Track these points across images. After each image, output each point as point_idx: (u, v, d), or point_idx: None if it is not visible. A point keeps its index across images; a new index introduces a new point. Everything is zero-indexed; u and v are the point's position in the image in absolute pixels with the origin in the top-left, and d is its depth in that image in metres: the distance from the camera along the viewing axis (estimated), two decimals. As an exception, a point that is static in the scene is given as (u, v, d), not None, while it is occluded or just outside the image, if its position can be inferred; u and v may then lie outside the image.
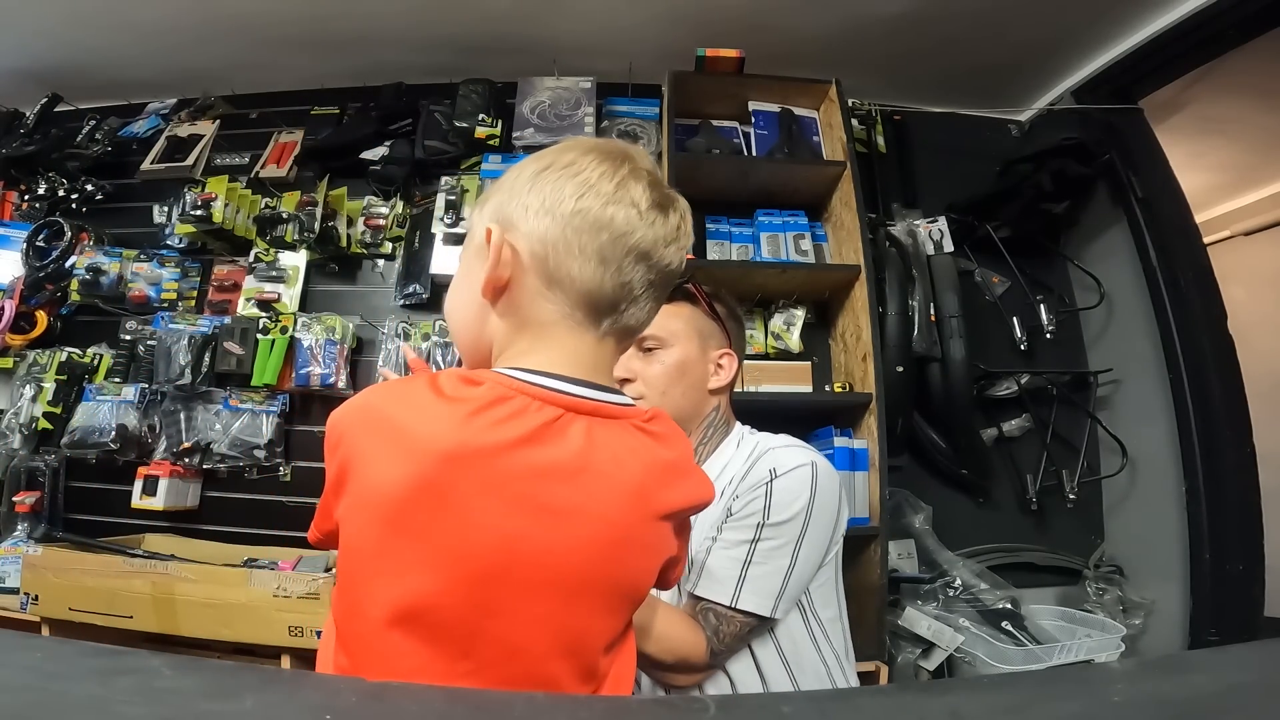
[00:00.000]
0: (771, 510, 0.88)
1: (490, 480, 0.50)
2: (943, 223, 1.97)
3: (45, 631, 1.51)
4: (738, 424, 1.06)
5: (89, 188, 2.08)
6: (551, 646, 0.52)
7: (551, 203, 0.54)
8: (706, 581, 0.87)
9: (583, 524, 0.52)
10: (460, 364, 0.66)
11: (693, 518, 0.73)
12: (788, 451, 0.94)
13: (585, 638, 0.54)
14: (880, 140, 2.14)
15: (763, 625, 0.88)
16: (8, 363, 1.95)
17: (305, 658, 1.44)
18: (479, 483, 0.50)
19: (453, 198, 1.92)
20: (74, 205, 2.07)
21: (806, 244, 1.93)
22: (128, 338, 1.93)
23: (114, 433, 1.79)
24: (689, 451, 0.62)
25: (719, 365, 1.03)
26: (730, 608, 0.85)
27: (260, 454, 1.84)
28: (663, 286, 0.59)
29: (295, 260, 1.98)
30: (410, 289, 1.94)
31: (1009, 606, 1.68)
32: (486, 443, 0.50)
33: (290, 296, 1.95)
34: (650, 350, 1.00)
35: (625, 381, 1.00)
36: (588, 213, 0.54)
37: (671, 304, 1.02)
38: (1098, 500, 2.05)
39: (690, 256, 0.62)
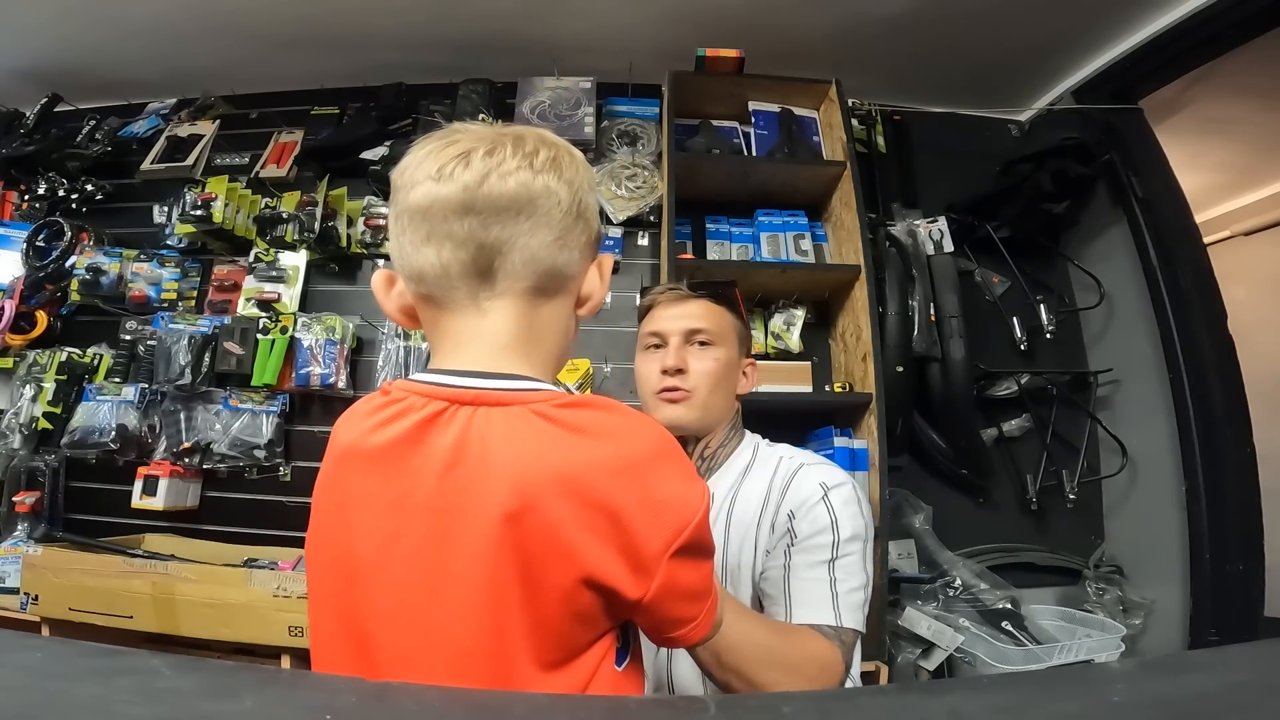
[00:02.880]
0: (840, 527, 0.88)
1: (371, 478, 0.51)
2: (943, 223, 1.97)
3: (45, 631, 1.51)
4: (747, 432, 1.07)
5: (89, 188, 2.08)
6: (441, 657, 0.49)
7: (390, 228, 0.58)
8: (805, 609, 0.85)
9: (454, 520, 0.48)
10: None
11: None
12: (826, 468, 0.96)
13: (478, 651, 0.48)
14: (880, 140, 2.14)
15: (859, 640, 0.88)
16: (8, 363, 1.95)
17: (305, 658, 1.44)
18: (362, 481, 0.52)
19: (453, 198, 1.92)
20: (74, 205, 2.08)
21: (806, 244, 1.94)
22: (128, 338, 1.93)
23: (114, 433, 1.80)
24: (637, 448, 0.51)
25: (744, 373, 1.05)
26: (839, 626, 0.84)
27: (260, 454, 1.84)
28: (529, 211, 0.53)
29: (295, 260, 1.98)
30: (410, 289, 1.94)
31: (1009, 606, 1.68)
32: (370, 443, 0.52)
33: (290, 296, 1.95)
34: (704, 344, 0.99)
35: (679, 371, 0.97)
36: (401, 214, 0.55)
37: (718, 305, 1.03)
38: (1098, 500, 2.05)
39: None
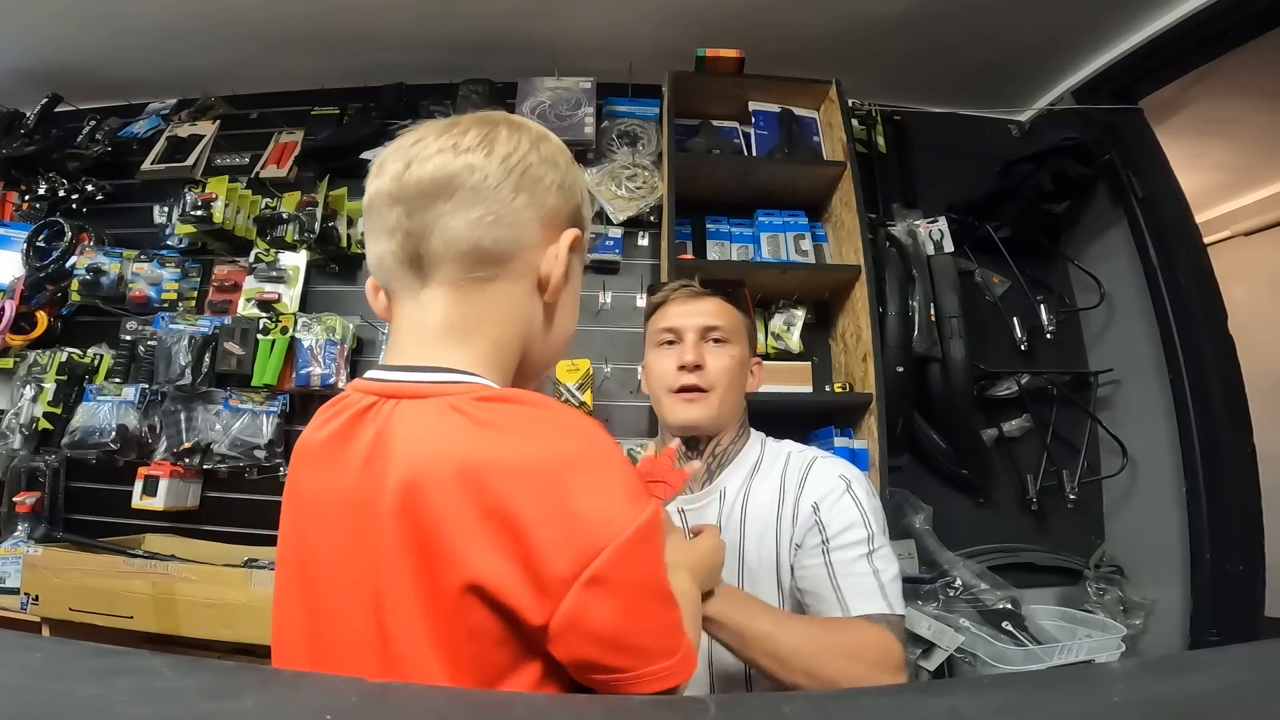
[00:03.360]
0: (870, 520, 0.89)
1: (312, 473, 0.52)
2: (943, 223, 1.97)
3: (45, 632, 1.51)
4: (753, 430, 1.07)
5: (89, 188, 2.08)
6: (373, 662, 0.46)
7: None
8: (859, 602, 0.85)
9: (367, 518, 0.47)
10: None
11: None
12: (839, 461, 0.97)
13: (396, 660, 0.46)
14: (880, 140, 2.14)
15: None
16: (8, 363, 1.95)
17: (305, 658, 1.44)
18: (305, 477, 0.53)
19: (453, 198, 1.92)
20: (74, 205, 2.08)
21: (806, 244, 1.94)
22: (128, 338, 1.93)
23: (114, 433, 1.79)
24: (556, 450, 0.46)
25: (751, 372, 1.04)
26: (891, 614, 0.84)
27: (260, 454, 1.83)
28: (448, 193, 0.51)
29: (295, 260, 1.98)
30: (410, 289, 1.94)
31: (1009, 606, 1.68)
32: (313, 439, 0.53)
33: (290, 297, 1.95)
34: (719, 341, 0.98)
35: (697, 367, 0.96)
36: (362, 211, 0.58)
37: (730, 306, 1.02)
38: (1098, 500, 2.05)
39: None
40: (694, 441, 0.99)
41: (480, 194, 0.51)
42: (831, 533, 0.88)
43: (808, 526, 0.90)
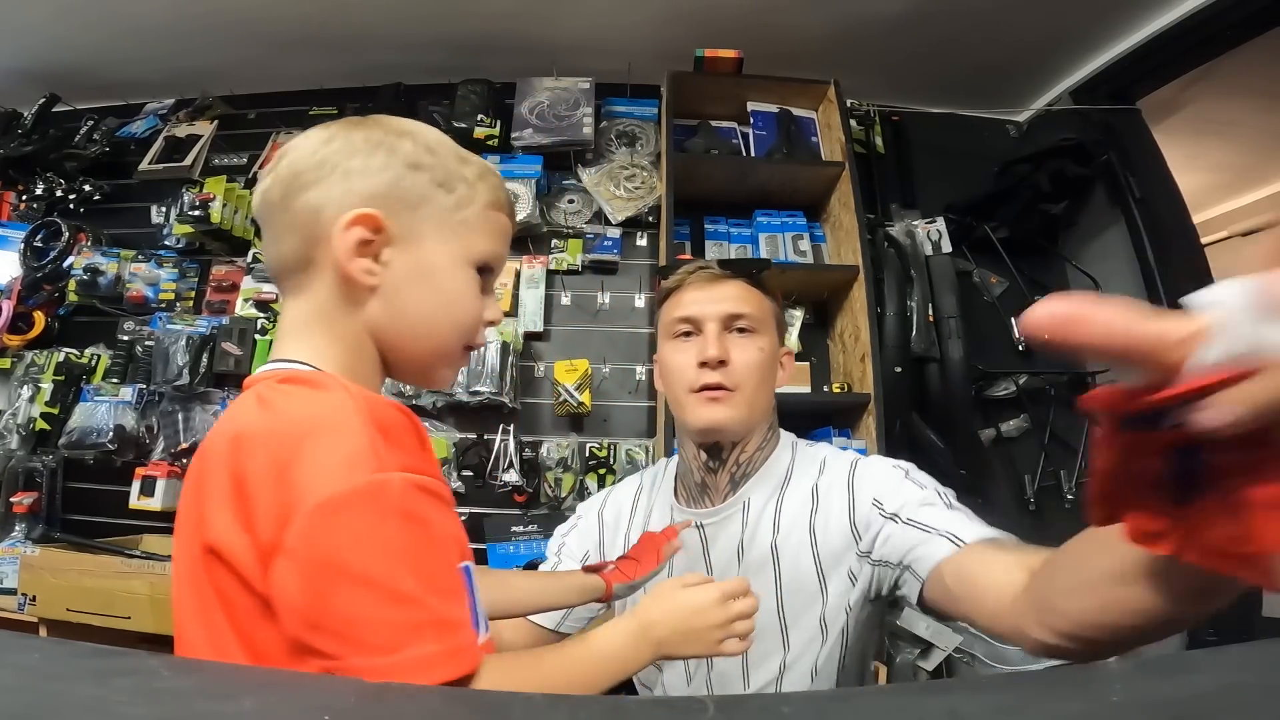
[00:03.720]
0: (942, 492, 0.80)
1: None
2: (941, 223, 1.98)
3: (43, 632, 1.51)
4: (782, 431, 0.96)
5: (87, 188, 2.08)
6: (181, 631, 0.49)
7: None
8: (966, 529, 0.74)
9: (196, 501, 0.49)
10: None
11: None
12: (879, 456, 0.93)
13: (229, 653, 0.45)
14: (879, 141, 2.14)
15: None
16: (5, 363, 1.95)
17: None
18: None
19: (451, 198, 1.92)
20: (72, 205, 2.07)
21: (805, 244, 1.94)
22: (125, 338, 1.92)
23: (112, 433, 1.79)
24: (294, 420, 0.45)
25: (781, 364, 0.92)
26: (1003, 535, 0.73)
27: (258, 454, 1.83)
28: (264, 216, 0.56)
29: (294, 260, 1.97)
30: (409, 289, 1.93)
31: (1008, 606, 1.68)
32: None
33: (289, 297, 1.95)
34: (744, 331, 0.86)
35: (721, 363, 0.83)
36: None
37: (756, 290, 0.89)
38: (1096, 500, 2.05)
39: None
40: (716, 449, 0.87)
41: (274, 207, 0.54)
42: (900, 504, 0.77)
43: (879, 519, 0.78)
